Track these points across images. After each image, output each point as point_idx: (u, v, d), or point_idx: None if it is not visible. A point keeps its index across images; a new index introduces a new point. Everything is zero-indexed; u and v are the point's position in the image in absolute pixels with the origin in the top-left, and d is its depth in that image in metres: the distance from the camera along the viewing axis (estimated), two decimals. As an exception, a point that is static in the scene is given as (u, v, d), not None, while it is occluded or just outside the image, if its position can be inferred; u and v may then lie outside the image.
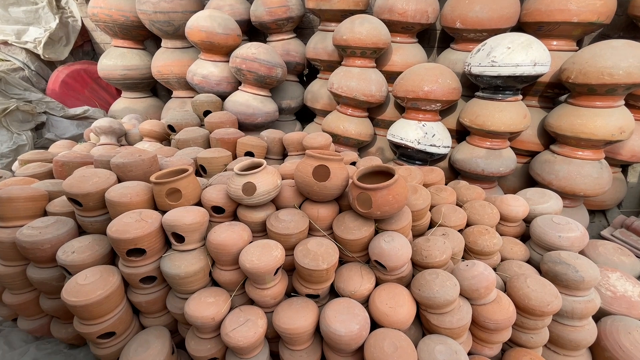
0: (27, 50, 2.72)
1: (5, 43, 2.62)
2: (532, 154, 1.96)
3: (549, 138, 1.86)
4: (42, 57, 2.74)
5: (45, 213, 1.35)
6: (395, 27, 1.99)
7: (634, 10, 1.61)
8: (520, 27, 1.88)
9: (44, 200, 1.35)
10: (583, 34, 1.74)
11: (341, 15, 2.07)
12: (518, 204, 1.44)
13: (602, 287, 1.34)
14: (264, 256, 1.03)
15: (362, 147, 2.32)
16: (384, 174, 1.23)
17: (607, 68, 1.42)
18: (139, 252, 1.13)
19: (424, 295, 1.02)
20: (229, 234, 1.10)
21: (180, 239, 1.13)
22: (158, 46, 2.69)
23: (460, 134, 2.09)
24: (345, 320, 0.99)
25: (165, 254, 1.16)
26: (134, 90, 2.86)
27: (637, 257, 1.64)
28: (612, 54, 1.43)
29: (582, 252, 1.58)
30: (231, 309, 1.13)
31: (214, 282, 1.22)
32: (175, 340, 1.27)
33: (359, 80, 1.93)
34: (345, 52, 1.97)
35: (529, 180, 1.98)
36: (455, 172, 2.10)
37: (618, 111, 1.53)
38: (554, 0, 1.64)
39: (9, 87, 2.40)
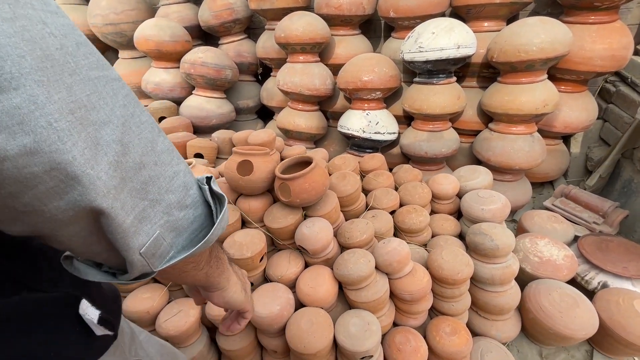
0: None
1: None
2: (476, 133, 2.02)
3: (488, 117, 1.92)
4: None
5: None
6: (334, 20, 2.04)
7: (553, -14, 1.67)
8: (454, 11, 1.94)
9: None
10: (510, 13, 1.80)
11: (282, 14, 2.12)
12: (447, 181, 1.51)
13: (531, 253, 1.42)
14: (189, 250, 1.10)
15: (318, 140, 2.38)
16: (309, 164, 1.29)
17: (522, 45, 1.49)
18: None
19: (340, 273, 1.09)
20: (159, 233, 1.17)
21: (115, 241, 1.19)
22: (117, 57, 2.73)
23: (410, 119, 2.15)
24: (267, 303, 1.06)
25: (104, 256, 1.22)
26: (98, 103, 2.90)
27: (573, 222, 1.72)
28: (526, 32, 1.49)
29: (520, 223, 1.67)
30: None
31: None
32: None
33: (302, 75, 1.98)
34: (286, 49, 2.03)
35: (475, 158, 2.05)
36: (407, 157, 2.16)
37: (541, 85, 1.60)
38: (476, -16, 1.70)
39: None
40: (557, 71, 1.72)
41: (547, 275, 1.37)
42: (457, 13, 1.93)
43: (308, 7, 2.20)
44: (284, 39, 1.93)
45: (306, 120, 2.13)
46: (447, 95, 1.75)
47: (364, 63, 1.84)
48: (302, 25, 1.86)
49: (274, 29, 2.26)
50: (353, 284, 1.09)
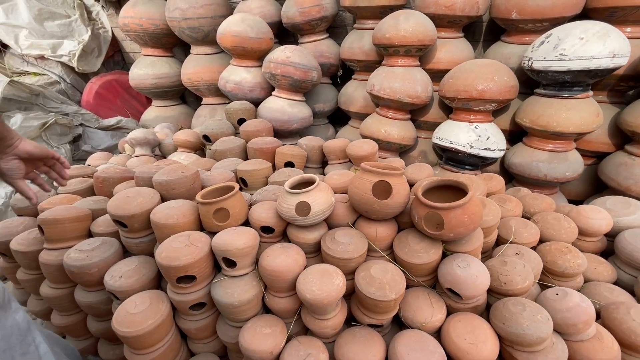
0: (62, 64, 2.76)
1: (42, 57, 2.67)
2: (599, 155, 1.76)
3: (621, 137, 1.65)
4: (76, 69, 2.77)
5: (89, 232, 1.32)
6: (441, 21, 1.83)
7: None
8: (586, 14, 1.68)
9: (88, 220, 1.32)
10: (666, 17, 1.53)
11: (380, 12, 1.93)
12: (600, 216, 1.27)
13: None
14: (325, 285, 0.93)
15: (403, 152, 2.18)
16: (450, 188, 1.10)
17: None
18: (188, 278, 1.06)
19: (511, 331, 0.89)
20: (283, 259, 1.01)
21: (231, 263, 1.05)
22: (186, 53, 2.65)
23: (513, 135, 1.92)
24: (420, 359, 0.87)
25: (215, 279, 1.08)
26: (164, 99, 2.85)
27: None
28: None
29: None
30: (288, 338, 1.04)
31: (266, 309, 1.14)
32: (226, 368, 1.21)
33: (403, 80, 1.79)
34: (387, 52, 1.84)
35: (594, 184, 1.78)
36: (507, 176, 1.92)
37: None
38: (632, -19, 1.44)
39: (47, 101, 2.43)
40: None
41: None
42: (590, 16, 1.67)
43: (404, 6, 2.00)
44: (387, 39, 1.74)
45: (399, 129, 1.94)
46: (584, 111, 1.50)
47: (481, 70, 1.62)
48: (411, 26, 1.67)
49: (363, 29, 2.08)
50: (527, 346, 0.88)
